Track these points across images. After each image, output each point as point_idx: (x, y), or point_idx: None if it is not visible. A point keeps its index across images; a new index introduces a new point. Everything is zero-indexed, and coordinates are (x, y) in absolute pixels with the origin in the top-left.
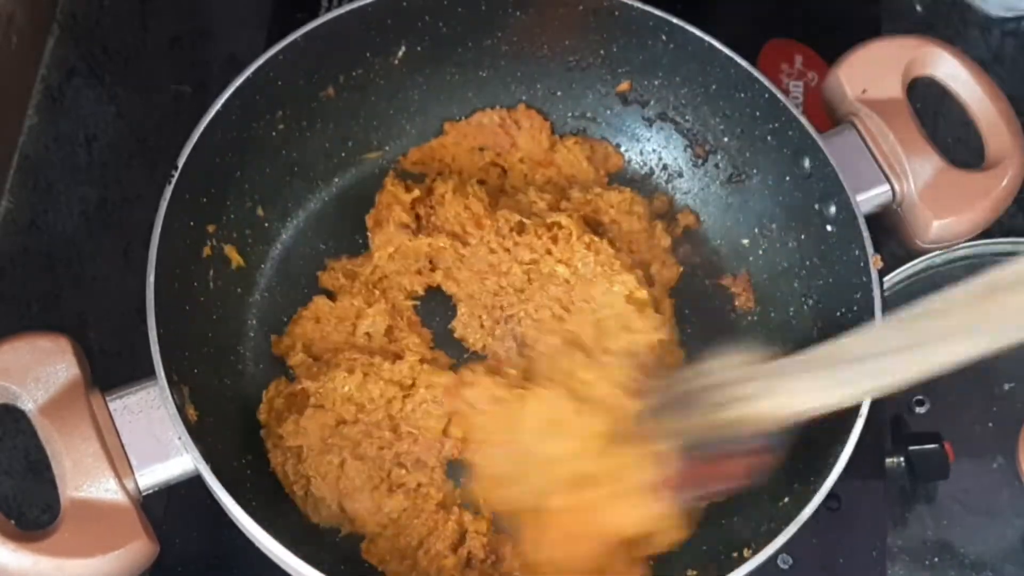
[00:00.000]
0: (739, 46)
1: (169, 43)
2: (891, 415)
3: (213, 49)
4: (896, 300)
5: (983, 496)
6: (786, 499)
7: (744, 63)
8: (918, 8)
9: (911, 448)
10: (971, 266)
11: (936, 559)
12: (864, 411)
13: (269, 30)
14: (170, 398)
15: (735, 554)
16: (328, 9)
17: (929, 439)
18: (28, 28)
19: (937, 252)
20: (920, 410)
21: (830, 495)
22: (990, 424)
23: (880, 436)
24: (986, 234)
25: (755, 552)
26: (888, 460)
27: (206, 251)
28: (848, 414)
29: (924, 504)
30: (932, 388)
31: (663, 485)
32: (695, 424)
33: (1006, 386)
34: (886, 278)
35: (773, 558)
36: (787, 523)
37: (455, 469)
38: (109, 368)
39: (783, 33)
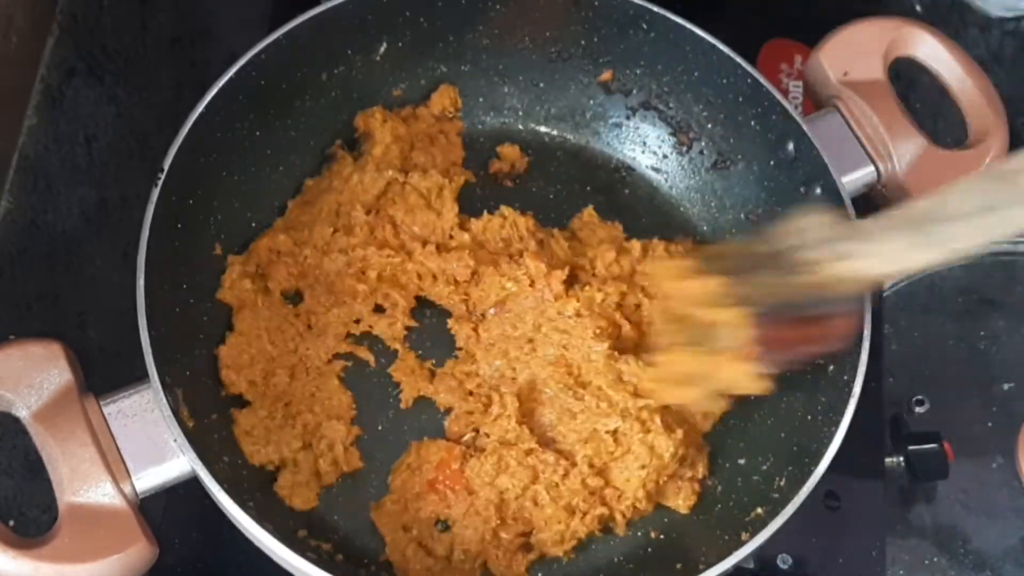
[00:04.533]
0: (739, 46)
1: (169, 43)
2: (891, 415)
3: (213, 49)
4: (897, 299)
5: (983, 496)
6: (782, 482)
7: (725, 48)
8: (918, 8)
9: (911, 448)
10: (971, 266)
11: (936, 559)
12: (856, 391)
13: (269, 30)
14: (164, 401)
15: (728, 537)
16: None
17: (929, 439)
18: (28, 28)
19: None
20: (920, 410)
21: (830, 495)
22: (990, 424)
23: (880, 436)
24: None
25: (753, 535)
26: (888, 460)
27: (195, 252)
28: (842, 395)
29: (924, 504)
30: (932, 388)
31: (751, 349)
32: (778, 286)
33: (1006, 386)
34: None
35: (773, 557)
36: (784, 504)
37: None
38: (109, 368)
39: (783, 33)
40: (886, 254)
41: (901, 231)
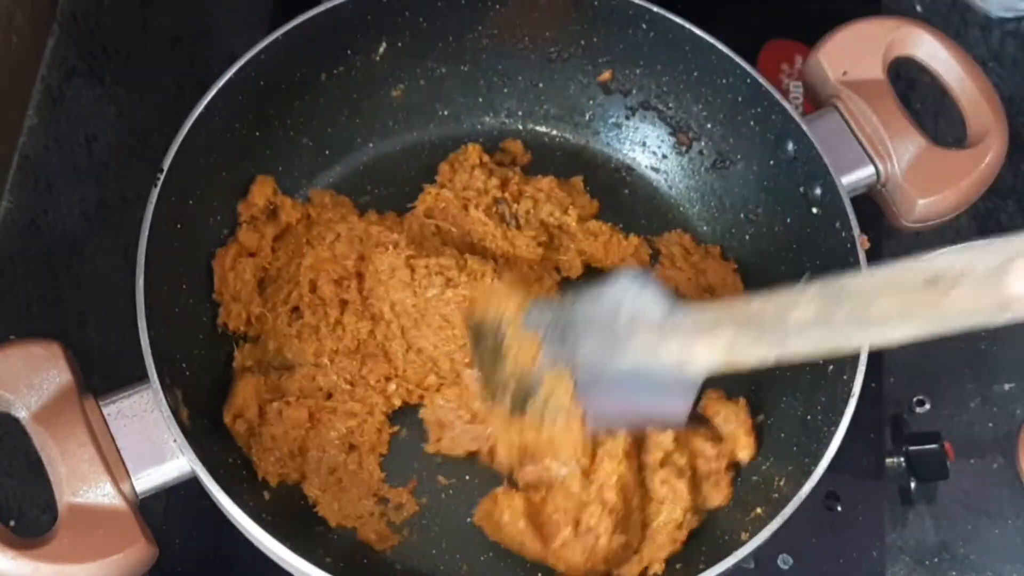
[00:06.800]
0: (739, 47)
1: (169, 43)
2: (891, 415)
3: (213, 49)
4: None
5: (983, 496)
6: (782, 482)
7: (725, 48)
8: (918, 8)
9: (911, 448)
10: None
11: (936, 559)
12: (856, 391)
13: (269, 30)
14: (164, 401)
15: (728, 537)
16: None
17: (929, 439)
18: (28, 28)
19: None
20: (920, 410)
21: (830, 495)
22: (990, 424)
23: (880, 436)
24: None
25: (753, 535)
26: (888, 460)
27: (195, 252)
28: (841, 395)
29: (924, 504)
30: (932, 388)
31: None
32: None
33: (1006, 386)
34: None
35: (773, 557)
36: (784, 504)
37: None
38: (109, 368)
39: (783, 33)
40: (715, 346)
41: (733, 327)
